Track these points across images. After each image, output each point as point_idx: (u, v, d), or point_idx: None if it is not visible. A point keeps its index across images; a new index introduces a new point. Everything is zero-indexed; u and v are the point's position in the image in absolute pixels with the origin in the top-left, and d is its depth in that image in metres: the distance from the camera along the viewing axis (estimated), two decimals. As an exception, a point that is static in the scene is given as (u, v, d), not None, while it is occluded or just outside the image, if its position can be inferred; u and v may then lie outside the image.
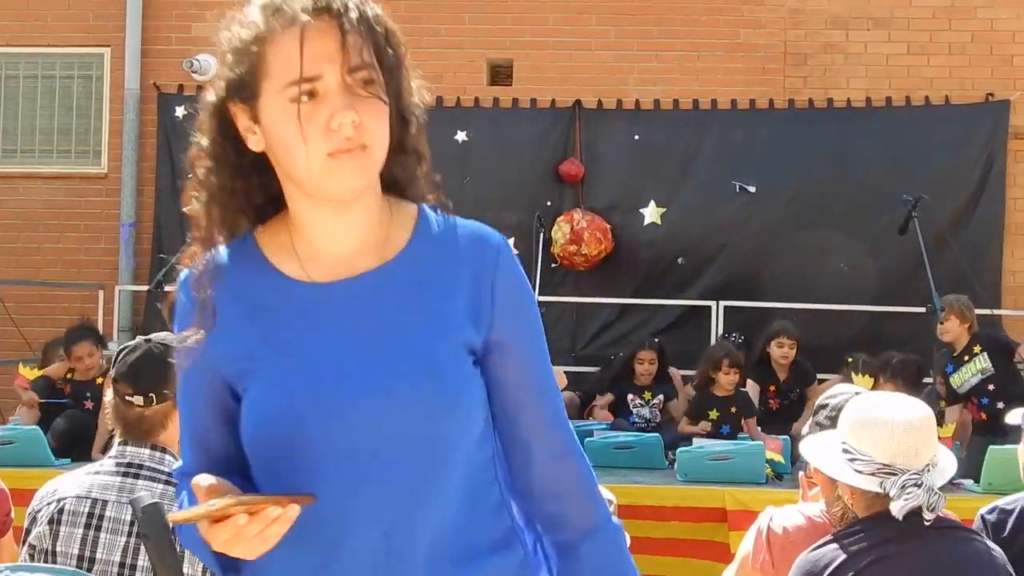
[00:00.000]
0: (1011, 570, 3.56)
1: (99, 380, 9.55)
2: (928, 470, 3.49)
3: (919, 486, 3.41)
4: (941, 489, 3.48)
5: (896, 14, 12.37)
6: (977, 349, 9.02)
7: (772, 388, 10.18)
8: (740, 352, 9.92)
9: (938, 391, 9.56)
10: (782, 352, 10.14)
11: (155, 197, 12.68)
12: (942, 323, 9.14)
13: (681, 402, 10.10)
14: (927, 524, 3.43)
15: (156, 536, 3.31)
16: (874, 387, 8.78)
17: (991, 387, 8.94)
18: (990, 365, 8.95)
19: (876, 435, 3.52)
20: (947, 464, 3.60)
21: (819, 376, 10.59)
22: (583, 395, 11.01)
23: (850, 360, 10.33)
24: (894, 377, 9.16)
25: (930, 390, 9.66)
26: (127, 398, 3.47)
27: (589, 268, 12.07)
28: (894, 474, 3.45)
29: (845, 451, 3.57)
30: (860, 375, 9.13)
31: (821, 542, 3.56)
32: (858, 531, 3.51)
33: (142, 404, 3.47)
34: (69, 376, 9.78)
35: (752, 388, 9.98)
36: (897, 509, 3.42)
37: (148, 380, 3.48)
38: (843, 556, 3.45)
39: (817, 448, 3.71)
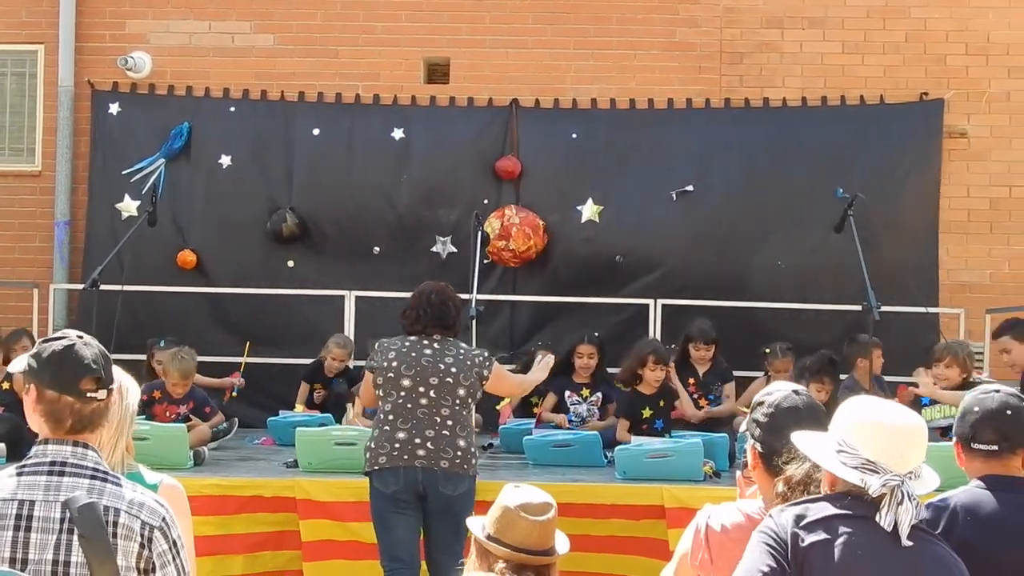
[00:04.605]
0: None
1: (5, 385, 9.38)
2: (911, 477, 3.52)
3: (903, 492, 3.44)
4: None
5: (831, 13, 12.46)
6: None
7: (692, 381, 10.33)
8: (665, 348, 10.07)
9: (859, 383, 9.56)
10: (699, 355, 10.40)
11: (88, 195, 12.56)
12: (938, 366, 9.05)
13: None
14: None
15: (92, 534, 3.30)
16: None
17: None
18: None
19: (866, 431, 3.57)
20: (930, 478, 3.63)
21: (753, 374, 10.71)
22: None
23: (767, 351, 10.46)
24: (815, 377, 9.19)
25: (849, 382, 9.69)
26: (89, 394, 3.44)
27: (518, 264, 12.05)
28: (876, 472, 3.49)
29: (837, 444, 3.61)
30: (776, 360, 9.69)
31: (812, 497, 3.62)
32: (845, 497, 3.54)
33: (105, 397, 3.47)
34: None
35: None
36: (884, 521, 3.45)
37: (106, 372, 3.49)
38: (830, 511, 3.51)
39: (812, 439, 3.72)
